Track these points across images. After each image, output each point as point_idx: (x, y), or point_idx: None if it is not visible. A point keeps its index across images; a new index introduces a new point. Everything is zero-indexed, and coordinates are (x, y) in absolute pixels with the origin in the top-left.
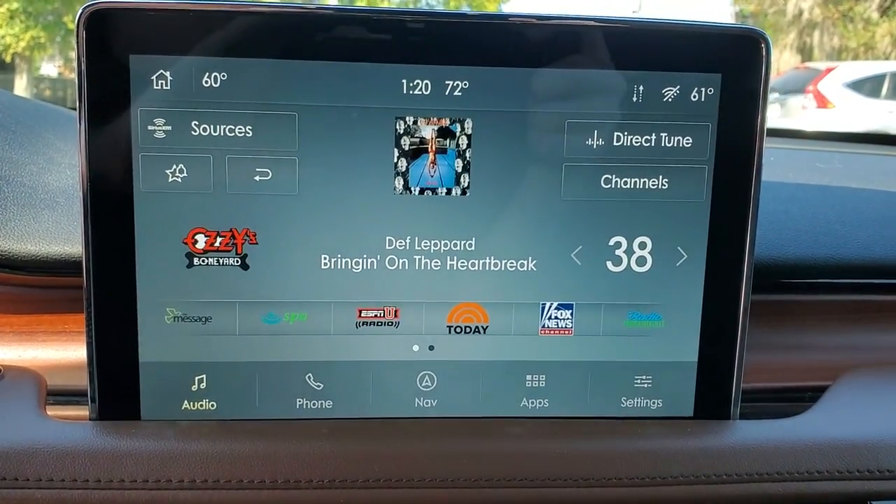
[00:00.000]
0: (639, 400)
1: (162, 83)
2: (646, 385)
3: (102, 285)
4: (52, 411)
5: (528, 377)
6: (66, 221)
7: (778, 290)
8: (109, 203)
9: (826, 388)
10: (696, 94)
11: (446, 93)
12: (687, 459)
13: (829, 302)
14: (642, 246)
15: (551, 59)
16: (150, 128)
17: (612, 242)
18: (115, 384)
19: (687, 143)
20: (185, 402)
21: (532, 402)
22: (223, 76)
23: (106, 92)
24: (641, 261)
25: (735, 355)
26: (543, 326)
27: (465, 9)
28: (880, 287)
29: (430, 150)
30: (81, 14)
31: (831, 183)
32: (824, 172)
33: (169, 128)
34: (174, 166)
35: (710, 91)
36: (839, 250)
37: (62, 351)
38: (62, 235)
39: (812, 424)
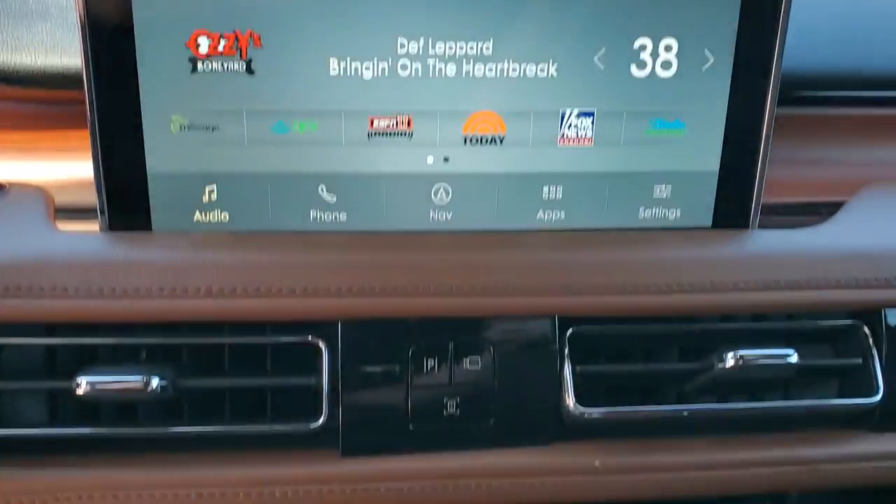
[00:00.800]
0: (657, 210)
1: None
2: (665, 195)
3: (105, 95)
4: (61, 225)
5: (546, 189)
6: (61, 33)
7: (800, 104)
8: (107, 7)
9: (845, 202)
10: None
11: None
12: (705, 267)
13: (852, 116)
14: (668, 49)
15: None
16: None
17: (637, 45)
18: (125, 196)
19: None
20: (197, 213)
21: (548, 214)
22: None
23: None
24: (667, 65)
25: (757, 165)
26: (562, 136)
27: None
28: None
29: None
30: None
31: None
32: None
33: None
34: None
35: None
36: (865, 61)
37: (67, 167)
38: (58, 47)
39: (830, 234)
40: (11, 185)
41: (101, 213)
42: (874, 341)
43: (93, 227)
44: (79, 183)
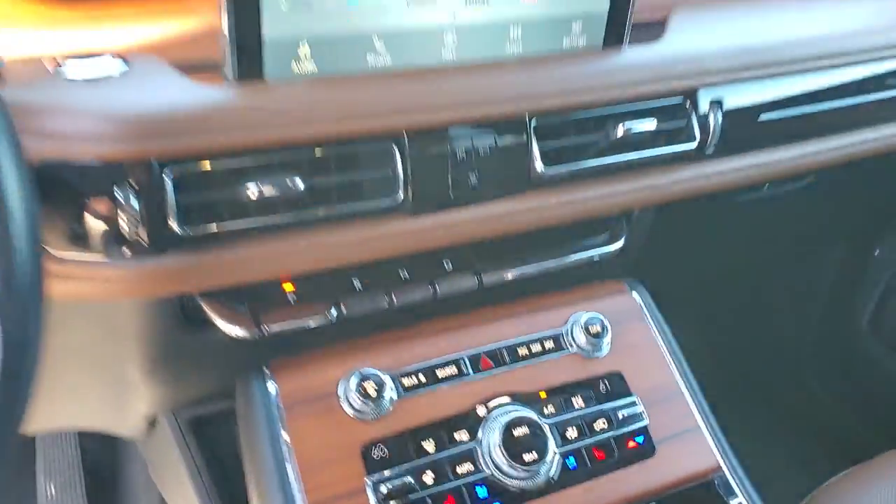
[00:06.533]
0: (573, 39)
1: None
2: (578, 29)
3: None
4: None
5: (511, 29)
6: None
7: None
8: None
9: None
10: None
11: None
12: (603, 71)
13: None
14: None
15: None
16: None
17: None
18: (247, 54)
19: None
20: (295, 64)
21: (512, 47)
22: None
23: None
24: None
25: (629, 7)
26: None
27: None
28: None
29: None
30: None
31: None
32: None
33: None
34: None
35: None
36: None
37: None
38: None
39: (666, 45)
40: (131, 53)
41: (232, 67)
42: (692, 109)
43: (210, 77)
44: (185, 41)
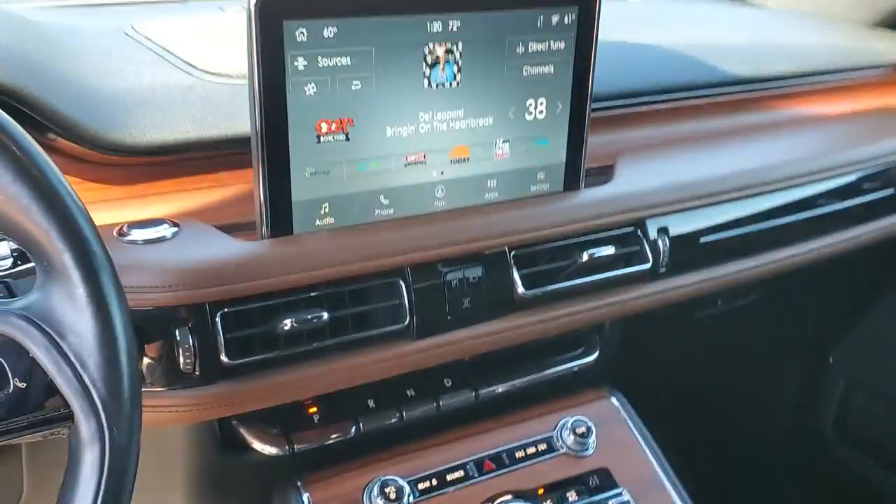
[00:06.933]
0: (539, 185)
1: (301, 35)
2: (542, 177)
3: (270, 156)
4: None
5: (488, 181)
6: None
7: None
8: (274, 113)
9: (611, 165)
10: (567, 19)
11: (449, 28)
12: (566, 210)
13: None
14: (541, 103)
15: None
16: (294, 63)
17: (528, 103)
18: (279, 215)
19: (561, 46)
20: (317, 220)
21: (490, 195)
22: (335, 30)
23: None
24: (541, 112)
25: (582, 159)
26: (495, 153)
27: None
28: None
29: (441, 62)
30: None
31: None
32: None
33: (306, 63)
34: (309, 85)
35: (573, 16)
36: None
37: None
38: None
39: (616, 185)
40: (180, 220)
41: (266, 226)
42: (643, 237)
43: (248, 234)
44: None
